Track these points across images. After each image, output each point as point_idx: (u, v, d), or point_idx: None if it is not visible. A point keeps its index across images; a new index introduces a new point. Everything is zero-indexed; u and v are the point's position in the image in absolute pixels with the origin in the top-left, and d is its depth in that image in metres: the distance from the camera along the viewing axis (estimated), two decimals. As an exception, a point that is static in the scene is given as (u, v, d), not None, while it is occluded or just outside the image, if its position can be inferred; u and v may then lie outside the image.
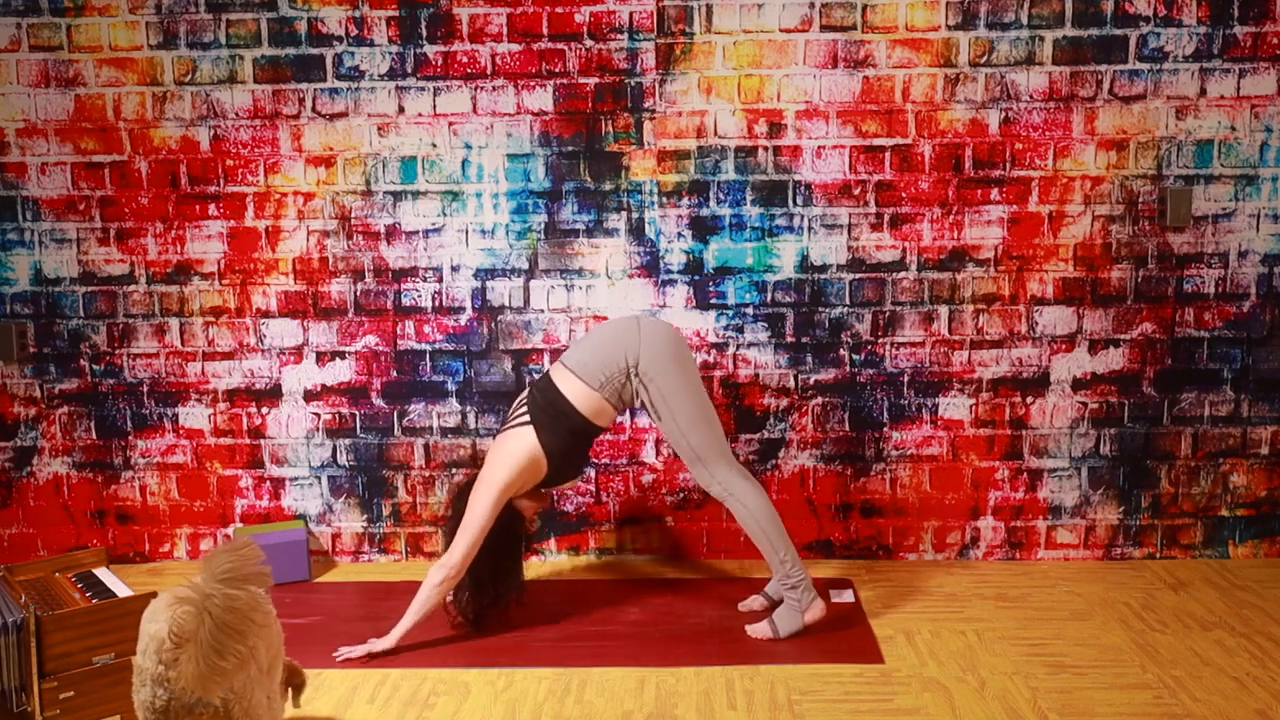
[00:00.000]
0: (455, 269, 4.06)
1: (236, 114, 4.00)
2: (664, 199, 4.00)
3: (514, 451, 3.36)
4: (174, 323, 4.10)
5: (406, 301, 4.07)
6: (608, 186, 4.00)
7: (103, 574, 3.17)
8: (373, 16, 3.94)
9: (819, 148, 3.95)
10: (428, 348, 4.09)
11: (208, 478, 4.17)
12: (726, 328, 4.03)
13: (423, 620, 3.35)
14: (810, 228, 3.99)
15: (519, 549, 3.57)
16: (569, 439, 3.38)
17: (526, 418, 3.39)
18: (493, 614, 3.52)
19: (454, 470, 4.13)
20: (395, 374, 4.11)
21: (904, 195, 3.96)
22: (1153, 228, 3.96)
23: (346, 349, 4.10)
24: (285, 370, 4.11)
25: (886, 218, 3.98)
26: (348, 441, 4.14)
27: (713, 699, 3.03)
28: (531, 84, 3.96)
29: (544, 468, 3.39)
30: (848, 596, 3.73)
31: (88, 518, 4.18)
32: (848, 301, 4.01)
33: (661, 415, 3.36)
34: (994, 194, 3.95)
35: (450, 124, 3.99)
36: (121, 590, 3.01)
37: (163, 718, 2.27)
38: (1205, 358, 4.01)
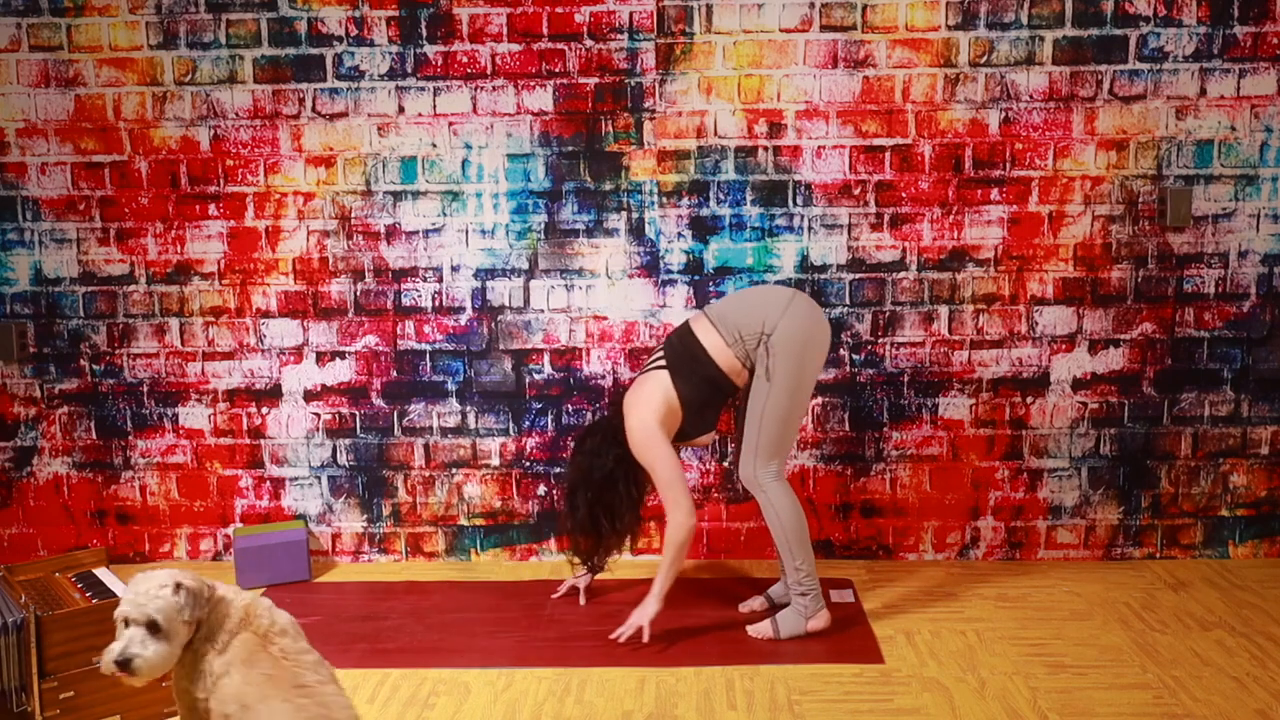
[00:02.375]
0: (455, 269, 4.06)
1: (236, 114, 4.00)
2: (664, 199, 4.00)
3: (651, 394, 3.35)
4: (174, 323, 4.10)
5: (406, 301, 4.07)
6: (608, 186, 4.00)
7: (103, 574, 3.17)
8: (373, 16, 3.94)
9: (819, 148, 3.95)
10: (428, 348, 4.09)
11: (208, 478, 4.17)
12: (726, 328, 4.03)
13: (674, 577, 3.39)
14: (810, 228, 3.99)
15: (640, 499, 3.51)
16: (704, 387, 3.36)
17: (663, 362, 3.39)
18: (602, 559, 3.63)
19: (454, 470, 4.13)
20: (395, 374, 4.11)
21: (904, 195, 3.96)
22: (1153, 228, 3.96)
23: (346, 349, 4.10)
24: (285, 370, 4.11)
25: (886, 218, 3.98)
26: (348, 441, 4.14)
27: (713, 699, 3.03)
28: (531, 84, 3.96)
29: (679, 415, 3.37)
30: (848, 596, 3.73)
31: (88, 518, 4.18)
32: (848, 301, 4.01)
33: (756, 389, 3.33)
34: (994, 194, 3.95)
35: (450, 124, 3.99)
36: (121, 590, 3.01)
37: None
38: (1205, 358, 4.01)
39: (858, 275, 4.00)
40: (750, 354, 3.33)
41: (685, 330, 3.42)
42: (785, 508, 3.35)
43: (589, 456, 3.46)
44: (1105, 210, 3.95)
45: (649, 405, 3.34)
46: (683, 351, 3.38)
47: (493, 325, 4.08)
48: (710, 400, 3.40)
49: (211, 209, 4.04)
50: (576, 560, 3.66)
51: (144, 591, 2.21)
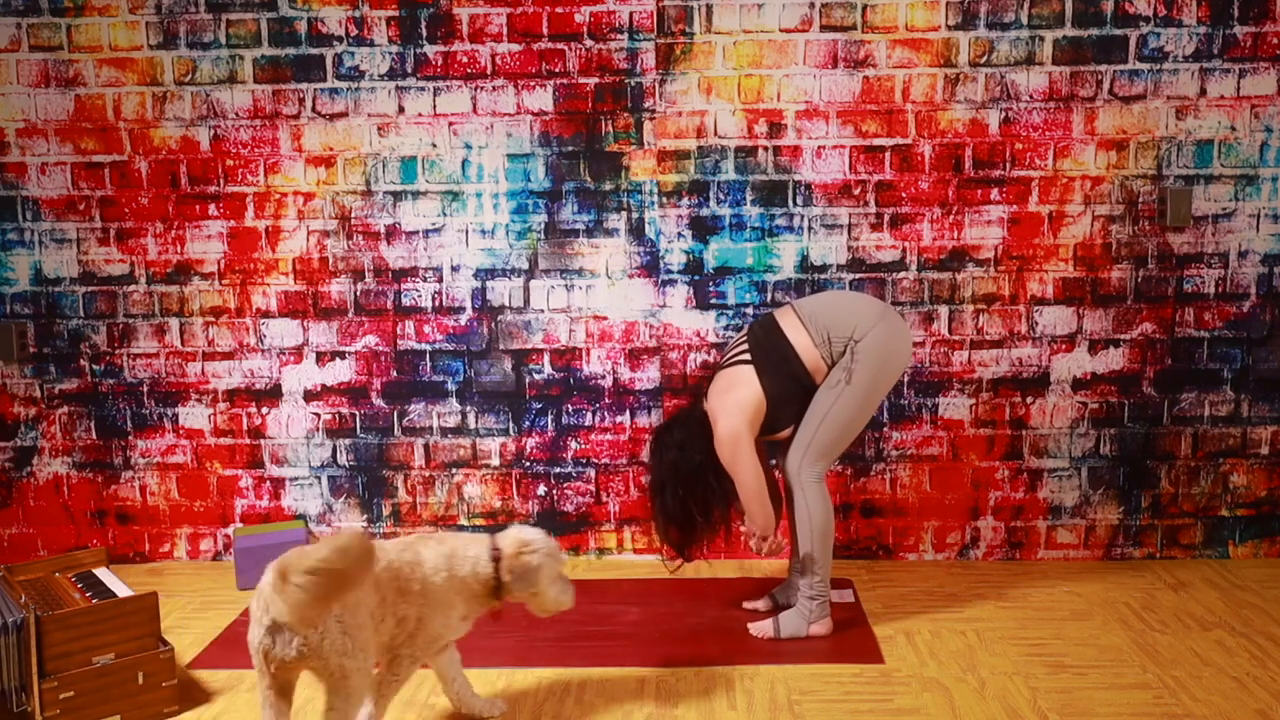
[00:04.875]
0: (455, 269, 4.06)
1: (236, 114, 4.00)
2: (664, 199, 4.00)
3: (740, 397, 3.30)
4: (174, 323, 4.10)
5: (406, 301, 4.08)
6: (608, 186, 4.00)
7: (103, 574, 3.18)
8: (373, 16, 3.94)
9: (819, 148, 3.95)
10: (428, 348, 4.09)
11: (208, 478, 4.17)
12: (726, 328, 4.03)
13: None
14: (810, 228, 3.99)
15: (730, 491, 3.42)
16: (788, 383, 3.31)
17: (747, 356, 3.34)
18: (693, 549, 3.50)
19: (454, 470, 4.13)
20: (395, 374, 4.11)
21: (904, 195, 3.96)
22: (1153, 228, 3.96)
23: (346, 349, 4.10)
24: (285, 370, 4.11)
25: (886, 218, 3.98)
26: (348, 441, 4.14)
27: (713, 699, 3.03)
28: (531, 84, 3.96)
29: (764, 412, 3.32)
30: (848, 596, 3.73)
31: (88, 518, 4.18)
32: (848, 301, 4.01)
33: (826, 388, 3.30)
34: (994, 194, 3.95)
35: (450, 124, 3.99)
36: (121, 590, 3.02)
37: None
38: (1205, 358, 4.01)
39: (858, 275, 4.00)
40: (834, 356, 3.29)
41: (772, 325, 3.37)
42: (819, 510, 3.34)
43: (676, 451, 3.37)
44: (1105, 210, 3.95)
45: (739, 410, 3.29)
46: (769, 347, 3.33)
47: (493, 325, 4.08)
48: (792, 395, 3.34)
49: (211, 209, 4.04)
50: (667, 551, 3.50)
51: None
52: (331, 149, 4.01)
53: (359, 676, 2.47)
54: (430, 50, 3.95)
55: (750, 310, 4.01)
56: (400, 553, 2.69)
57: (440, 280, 4.06)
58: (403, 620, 2.67)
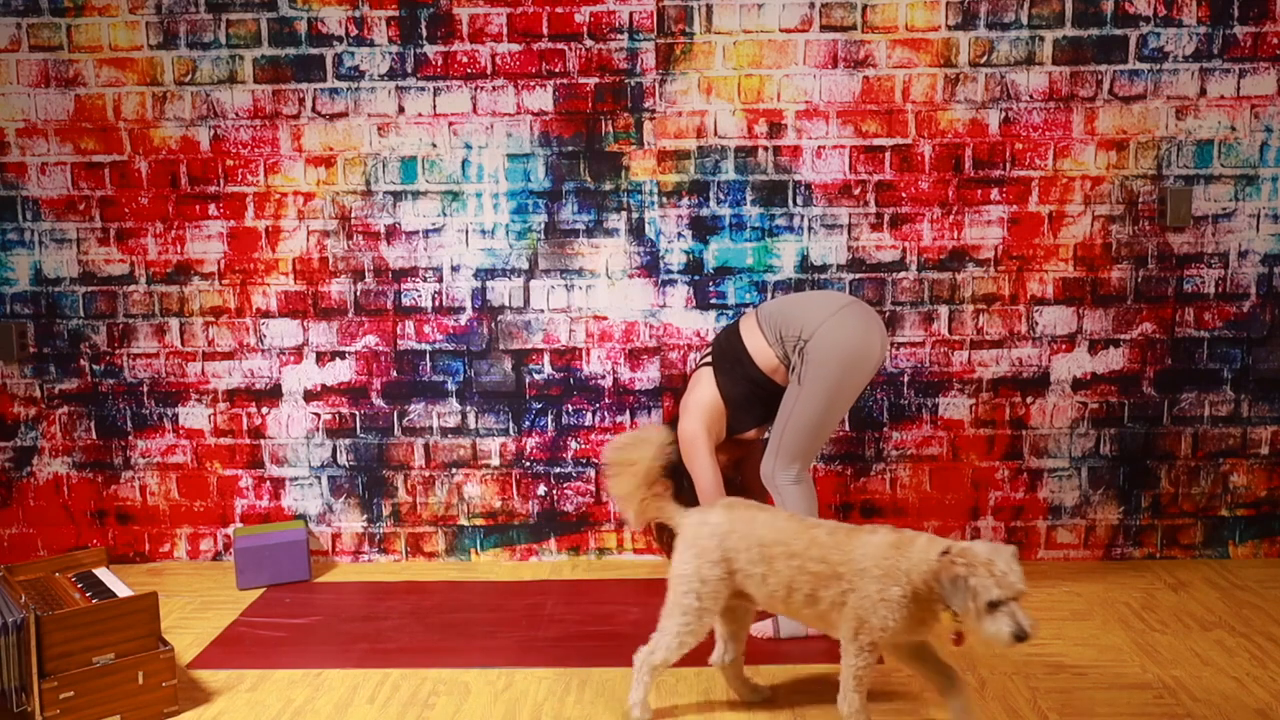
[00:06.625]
0: (455, 269, 4.06)
1: (236, 114, 4.00)
2: (664, 199, 4.00)
3: (699, 398, 3.36)
4: (174, 323, 4.10)
5: (406, 301, 4.08)
6: (608, 186, 4.00)
7: (103, 574, 3.18)
8: (373, 16, 3.94)
9: (819, 148, 3.95)
10: (428, 348, 4.10)
11: (208, 478, 4.17)
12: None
13: None
14: (810, 228, 3.99)
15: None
16: (745, 385, 3.34)
17: (709, 358, 3.42)
18: None
19: (454, 470, 4.13)
20: (395, 374, 4.11)
21: (904, 195, 3.96)
22: (1153, 228, 3.96)
23: (346, 349, 4.10)
24: (285, 370, 4.11)
25: (886, 218, 3.98)
26: (348, 441, 4.14)
27: (713, 699, 3.02)
28: (531, 84, 3.96)
29: (724, 413, 3.37)
30: (848, 596, 3.72)
31: (88, 518, 4.19)
32: (848, 301, 4.01)
33: (789, 391, 3.30)
34: (994, 194, 3.95)
35: (450, 124, 3.99)
36: (121, 590, 3.02)
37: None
38: (1205, 358, 4.01)
39: (858, 275, 4.00)
40: (789, 355, 3.30)
41: (733, 328, 3.41)
42: (799, 510, 3.33)
43: None
44: (1105, 210, 3.95)
45: (697, 412, 3.35)
46: (728, 350, 3.38)
47: (493, 325, 4.08)
48: (754, 397, 3.36)
49: (211, 209, 4.04)
50: (663, 551, 3.50)
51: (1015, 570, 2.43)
52: (331, 149, 4.01)
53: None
54: (430, 50, 3.95)
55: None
56: (829, 535, 2.70)
57: (440, 280, 4.06)
58: (812, 598, 2.69)
